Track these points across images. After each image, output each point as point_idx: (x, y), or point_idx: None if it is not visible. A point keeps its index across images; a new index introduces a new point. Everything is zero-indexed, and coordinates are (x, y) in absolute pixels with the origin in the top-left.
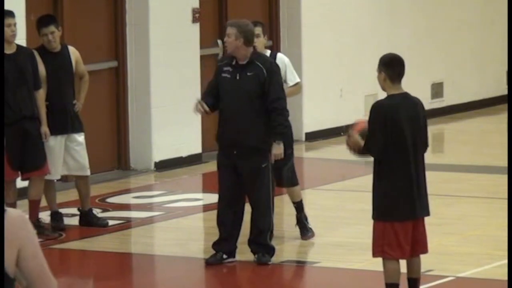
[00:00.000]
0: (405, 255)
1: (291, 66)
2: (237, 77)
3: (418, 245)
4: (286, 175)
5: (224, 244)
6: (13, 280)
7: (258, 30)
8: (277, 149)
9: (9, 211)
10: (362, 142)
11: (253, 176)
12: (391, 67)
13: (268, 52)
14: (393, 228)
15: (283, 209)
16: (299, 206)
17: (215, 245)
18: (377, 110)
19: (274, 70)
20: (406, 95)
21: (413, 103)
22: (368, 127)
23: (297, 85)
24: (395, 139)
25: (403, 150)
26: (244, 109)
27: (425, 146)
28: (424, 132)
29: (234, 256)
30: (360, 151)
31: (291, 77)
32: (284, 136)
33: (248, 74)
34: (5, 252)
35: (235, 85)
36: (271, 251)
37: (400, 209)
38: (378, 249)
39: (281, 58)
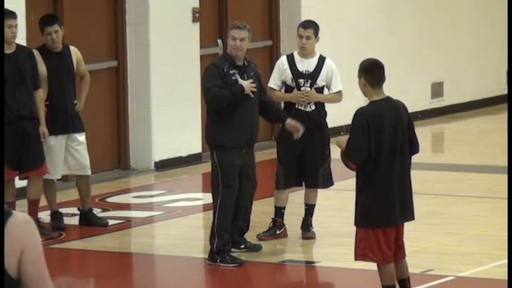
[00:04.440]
0: (386, 260)
1: (337, 74)
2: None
3: (400, 250)
4: (322, 176)
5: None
6: (17, 281)
7: (309, 32)
8: None
9: (15, 214)
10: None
11: None
12: (370, 72)
13: (317, 55)
14: (374, 233)
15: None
16: (310, 210)
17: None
18: (360, 117)
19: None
20: (388, 100)
21: (395, 107)
22: (349, 132)
23: (339, 93)
24: (378, 146)
25: (386, 157)
26: None
27: (415, 148)
28: (412, 135)
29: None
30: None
31: (335, 84)
32: (320, 137)
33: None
34: (8, 255)
35: None
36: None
37: (381, 216)
38: (359, 252)
39: (330, 64)
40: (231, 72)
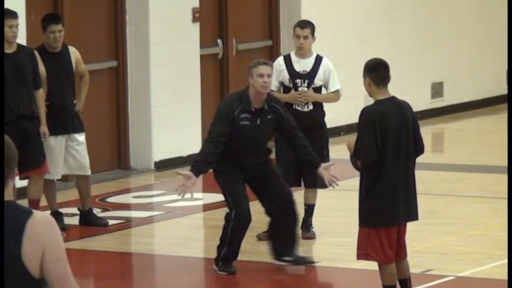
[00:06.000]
0: (388, 260)
1: (334, 73)
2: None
3: (401, 249)
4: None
5: None
6: (39, 281)
7: (306, 31)
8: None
9: (36, 214)
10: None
11: None
12: (375, 71)
13: (314, 55)
14: (377, 233)
15: None
16: (310, 210)
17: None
18: (366, 115)
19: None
20: (393, 100)
21: (400, 106)
22: (357, 132)
23: (336, 92)
24: (383, 145)
25: (391, 156)
26: None
27: (420, 149)
28: (417, 135)
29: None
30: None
31: (333, 83)
32: (319, 137)
33: None
34: (29, 254)
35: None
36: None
37: (384, 216)
38: (361, 252)
39: (327, 64)
40: (242, 116)
